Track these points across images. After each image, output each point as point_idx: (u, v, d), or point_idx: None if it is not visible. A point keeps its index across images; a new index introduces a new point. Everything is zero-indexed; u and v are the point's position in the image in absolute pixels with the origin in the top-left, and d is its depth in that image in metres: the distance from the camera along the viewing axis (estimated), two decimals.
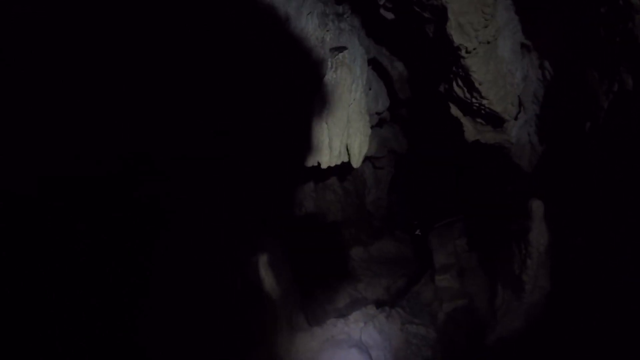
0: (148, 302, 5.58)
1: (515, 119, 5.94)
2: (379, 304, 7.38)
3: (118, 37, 4.75)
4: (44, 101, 4.55)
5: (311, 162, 6.32)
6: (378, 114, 8.14)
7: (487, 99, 5.49)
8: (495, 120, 5.93)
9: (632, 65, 4.03)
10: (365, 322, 6.69)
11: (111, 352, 5.12)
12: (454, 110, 6.16)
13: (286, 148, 6.40)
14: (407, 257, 9.94)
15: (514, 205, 6.78)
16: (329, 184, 11.04)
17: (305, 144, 6.22)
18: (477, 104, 5.69)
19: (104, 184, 5.43)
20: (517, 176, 6.72)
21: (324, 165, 6.34)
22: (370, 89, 7.33)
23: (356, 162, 6.54)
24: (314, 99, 5.97)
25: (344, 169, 8.82)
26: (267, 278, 6.50)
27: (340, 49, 6.03)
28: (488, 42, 5.02)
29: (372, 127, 6.72)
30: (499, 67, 5.34)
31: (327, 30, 5.98)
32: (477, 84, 5.33)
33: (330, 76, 5.98)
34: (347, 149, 6.42)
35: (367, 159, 9.14)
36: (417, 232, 10.13)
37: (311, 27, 5.85)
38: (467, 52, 4.98)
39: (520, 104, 5.81)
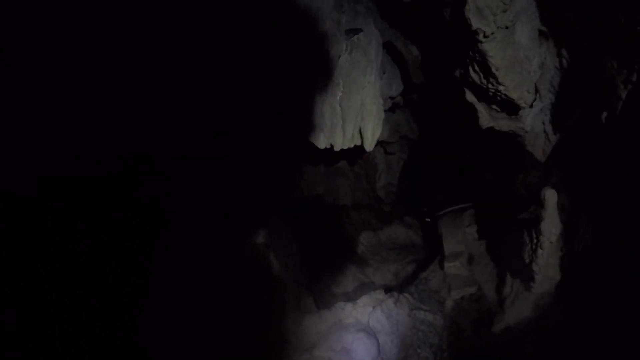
0: (148, 302, 5.60)
1: (531, 106, 5.88)
2: (387, 289, 7.39)
3: (118, 37, 4.76)
4: (44, 101, 4.57)
5: (324, 144, 6.29)
6: (391, 98, 8.06)
7: (504, 85, 5.43)
8: (510, 107, 5.87)
9: None
10: (374, 307, 6.70)
11: (111, 352, 5.16)
12: (469, 96, 6.10)
13: (298, 130, 6.37)
14: (416, 243, 9.92)
15: (526, 194, 6.74)
16: (340, 168, 11.04)
17: (318, 125, 6.18)
18: (493, 90, 5.62)
19: (104, 184, 5.47)
20: (530, 165, 6.67)
21: (337, 148, 6.31)
22: (384, 73, 7.24)
23: (369, 146, 6.49)
24: (328, 80, 5.92)
25: (355, 152, 8.79)
26: (275, 262, 6.53)
27: (356, 30, 5.95)
28: (506, 27, 4.93)
29: (385, 112, 6.65)
30: (516, 53, 5.26)
31: (343, 12, 5.89)
32: (493, 70, 5.26)
33: (345, 58, 5.90)
34: (360, 133, 6.37)
35: (378, 143, 9.07)
36: (427, 219, 10.08)
37: (327, 8, 5.77)
38: (484, 36, 4.90)
39: (536, 92, 5.74)
